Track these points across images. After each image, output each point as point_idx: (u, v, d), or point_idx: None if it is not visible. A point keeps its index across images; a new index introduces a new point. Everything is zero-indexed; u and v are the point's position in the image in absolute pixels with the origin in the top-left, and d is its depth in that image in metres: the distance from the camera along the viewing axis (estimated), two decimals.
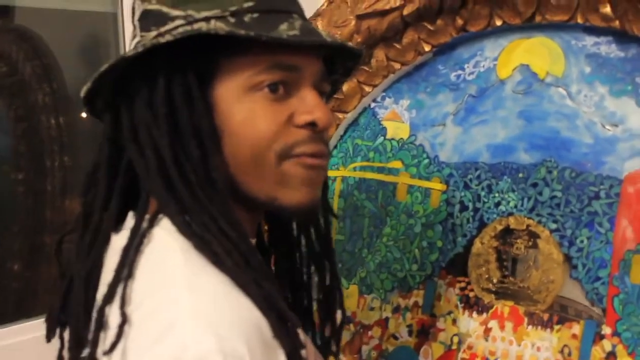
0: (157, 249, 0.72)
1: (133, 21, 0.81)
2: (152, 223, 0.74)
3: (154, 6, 0.76)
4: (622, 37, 0.98)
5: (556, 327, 1.04)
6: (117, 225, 0.78)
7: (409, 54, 1.19)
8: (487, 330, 1.11)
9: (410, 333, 1.22)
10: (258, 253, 0.80)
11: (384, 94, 1.27)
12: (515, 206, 1.09)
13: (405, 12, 1.12)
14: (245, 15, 0.74)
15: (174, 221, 0.72)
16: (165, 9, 0.75)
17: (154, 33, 0.74)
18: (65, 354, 0.82)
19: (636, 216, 0.97)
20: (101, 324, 0.70)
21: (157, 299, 0.68)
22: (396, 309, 1.24)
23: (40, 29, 1.54)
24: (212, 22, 0.73)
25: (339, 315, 0.98)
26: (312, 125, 0.77)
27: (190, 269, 0.69)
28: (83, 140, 1.62)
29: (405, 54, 1.19)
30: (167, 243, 0.72)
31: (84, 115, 1.59)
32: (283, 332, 0.67)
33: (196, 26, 0.73)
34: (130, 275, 0.69)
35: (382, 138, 1.26)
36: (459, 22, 1.11)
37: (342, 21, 1.19)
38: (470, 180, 1.14)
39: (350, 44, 0.93)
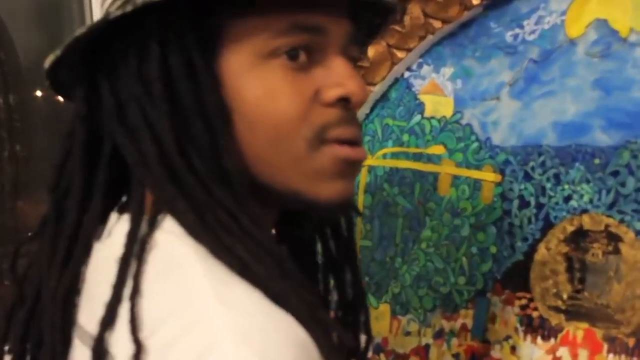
0: (164, 257, 0.69)
1: None
2: (153, 226, 0.70)
3: None
4: None
5: None
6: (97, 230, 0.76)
7: (452, 8, 1.18)
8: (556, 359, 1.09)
9: None
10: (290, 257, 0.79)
11: (420, 60, 1.26)
12: (591, 201, 1.07)
13: None
14: None
15: (183, 221, 0.70)
16: None
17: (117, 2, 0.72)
18: None
19: None
20: (100, 355, 0.66)
21: (181, 320, 0.63)
22: (439, 334, 1.24)
23: None
24: None
25: (363, 340, 0.96)
26: (344, 101, 0.75)
27: (214, 280, 0.65)
28: (40, 124, 1.60)
29: (447, 9, 1.18)
30: (176, 250, 0.69)
31: (39, 93, 1.57)
32: (331, 350, 0.65)
33: None
34: (136, 292, 0.66)
35: (419, 116, 1.25)
36: None
37: None
38: (532, 168, 1.13)
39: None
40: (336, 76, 0.75)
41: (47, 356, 0.75)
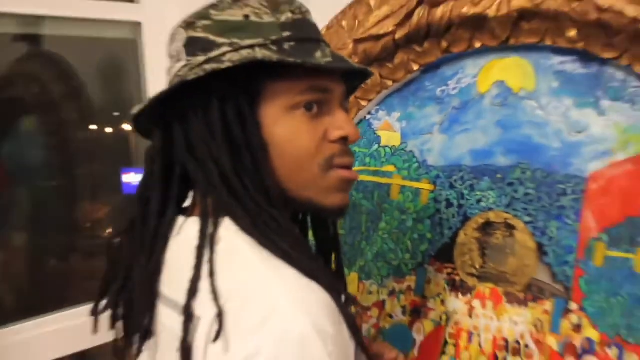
0: (228, 248, 0.70)
1: (172, 46, 0.80)
2: (217, 225, 0.72)
3: (200, 34, 0.76)
4: (585, 57, 0.98)
5: (530, 304, 1.05)
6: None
7: (399, 72, 1.18)
8: (471, 309, 1.12)
9: (404, 313, 1.22)
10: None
11: (377, 107, 1.26)
12: (494, 202, 1.09)
13: (397, 36, 1.11)
14: (284, 44, 0.74)
15: (239, 222, 0.72)
16: (212, 37, 0.75)
17: (202, 58, 0.74)
18: (120, 342, 0.82)
19: (598, 209, 0.98)
20: (189, 315, 0.68)
21: (249, 291, 0.66)
22: (391, 292, 1.24)
23: (67, 54, 1.52)
24: (257, 49, 0.73)
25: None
26: (344, 139, 0.78)
27: (267, 262, 0.68)
28: (106, 151, 1.60)
29: (396, 73, 1.18)
30: (235, 242, 0.71)
31: (109, 130, 1.57)
32: (344, 308, 0.67)
33: (243, 53, 0.73)
34: (212, 271, 0.67)
35: (376, 145, 1.26)
36: (444, 44, 1.10)
37: (341, 44, 1.17)
38: (455, 181, 1.14)
39: (369, 68, 0.93)
40: (338, 122, 0.78)
41: (136, 315, 0.77)
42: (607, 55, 0.95)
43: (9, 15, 1.31)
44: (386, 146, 1.25)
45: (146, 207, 0.79)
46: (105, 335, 1.30)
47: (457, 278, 1.14)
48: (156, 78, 1.44)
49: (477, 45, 1.08)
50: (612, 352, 0.96)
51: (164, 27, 1.41)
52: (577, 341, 0.99)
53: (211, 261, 0.68)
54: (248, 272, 0.68)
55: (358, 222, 1.25)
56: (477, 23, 1.04)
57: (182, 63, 0.76)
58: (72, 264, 1.56)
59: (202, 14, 0.77)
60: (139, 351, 0.78)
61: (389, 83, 1.20)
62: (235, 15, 0.76)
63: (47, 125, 1.58)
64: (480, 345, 1.10)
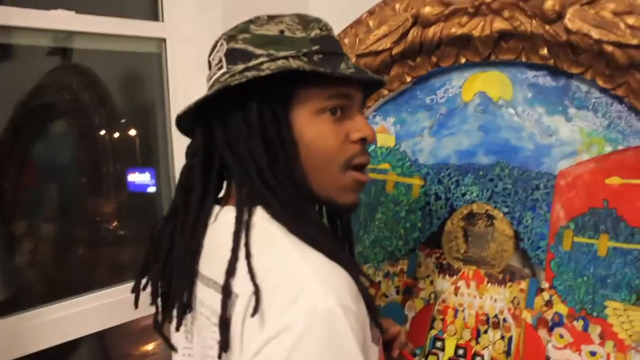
0: (262, 233, 0.71)
1: (213, 55, 0.82)
2: (251, 213, 0.73)
3: (240, 45, 0.78)
4: (555, 72, 1.04)
5: (508, 284, 1.09)
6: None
7: (394, 83, 1.21)
8: (457, 289, 1.16)
9: (397, 292, 1.24)
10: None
11: (375, 113, 1.28)
12: (477, 196, 1.13)
13: (394, 52, 1.15)
14: (314, 56, 0.77)
15: (272, 211, 0.73)
16: (250, 48, 0.77)
17: (241, 66, 0.76)
18: (160, 318, 0.82)
19: (566, 201, 1.03)
20: (228, 292, 0.68)
21: (282, 272, 0.66)
22: (386, 275, 1.26)
23: (96, 67, 1.54)
24: (291, 60, 0.75)
25: None
26: (363, 140, 0.80)
27: (297, 247, 0.69)
28: (131, 151, 1.63)
29: (391, 84, 1.21)
30: (269, 228, 0.72)
31: (132, 132, 1.60)
32: (363, 287, 0.69)
33: (279, 63, 0.75)
34: (249, 254, 0.68)
35: (374, 146, 1.27)
36: (434, 59, 1.14)
37: None
38: (443, 177, 1.17)
39: (384, 78, 0.96)
40: (358, 125, 0.79)
41: (175, 292, 0.78)
42: (574, 70, 1.01)
43: (46, 31, 1.33)
44: (382, 147, 1.27)
45: (188, 196, 0.80)
46: (123, 315, 1.36)
47: (444, 262, 1.18)
48: (177, 88, 1.47)
49: (463, 60, 1.12)
50: (578, 324, 1.01)
51: (185, 42, 1.45)
52: (549, 315, 1.04)
53: (247, 244, 0.69)
54: (281, 254, 0.69)
55: (357, 214, 1.27)
56: (463, 42, 1.09)
57: (223, 70, 0.78)
58: (98, 253, 1.59)
59: (243, 29, 0.79)
60: (178, 325, 0.78)
61: (385, 92, 1.22)
62: (271, 30, 0.78)
63: (77, 128, 1.60)
64: (464, 320, 1.14)
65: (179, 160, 1.48)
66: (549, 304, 1.05)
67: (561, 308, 1.03)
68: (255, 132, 0.76)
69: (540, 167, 1.06)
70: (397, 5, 1.16)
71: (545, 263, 1.05)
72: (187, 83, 1.45)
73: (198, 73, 1.44)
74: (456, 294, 1.16)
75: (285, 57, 0.76)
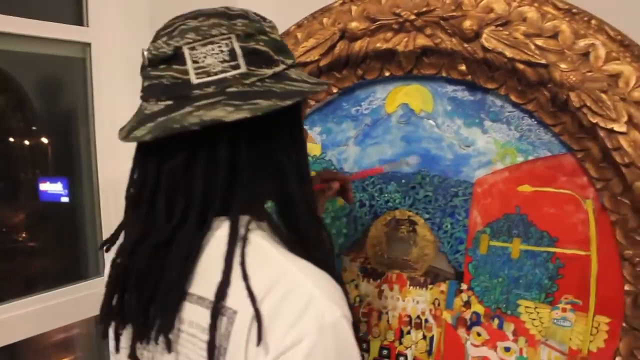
0: (256, 250, 0.67)
1: (223, 49, 0.68)
2: (248, 230, 0.68)
3: (262, 48, 0.70)
4: (472, 86, 1.07)
5: (430, 286, 1.12)
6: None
7: (321, 94, 1.20)
8: (381, 292, 1.17)
9: None
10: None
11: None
12: (400, 203, 1.15)
13: (321, 64, 1.15)
14: (297, 67, 0.75)
15: (262, 225, 0.71)
16: (271, 53, 0.71)
17: (268, 71, 0.69)
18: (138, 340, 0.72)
19: (482, 208, 1.07)
20: (217, 313, 0.63)
21: (285, 286, 0.63)
22: None
23: (18, 70, 1.45)
24: (291, 70, 0.73)
25: None
26: None
27: (289, 258, 0.66)
28: (49, 157, 1.54)
29: (318, 94, 1.20)
30: (261, 244, 0.68)
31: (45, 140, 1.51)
32: (348, 297, 0.68)
33: (305, 76, 0.74)
34: (246, 276, 0.63)
35: None
36: (359, 72, 1.15)
37: None
38: (367, 185, 1.18)
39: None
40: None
41: (161, 316, 0.69)
42: (490, 86, 1.05)
43: None
44: (309, 155, 1.25)
45: (171, 212, 0.69)
46: (32, 328, 1.27)
47: (368, 266, 1.19)
48: (101, 94, 1.41)
49: (387, 73, 1.14)
50: (494, 322, 1.06)
51: (111, 47, 1.40)
52: (467, 315, 1.08)
53: (243, 265, 0.65)
54: (278, 269, 0.65)
55: None
56: (388, 56, 1.11)
57: (241, 71, 0.68)
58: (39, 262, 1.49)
59: (259, 29, 0.71)
60: (169, 347, 0.69)
61: (312, 102, 1.23)
62: (278, 36, 0.74)
63: None
64: (388, 322, 1.16)
65: (102, 169, 1.41)
66: (467, 304, 1.08)
67: (478, 308, 1.06)
68: (286, 151, 0.72)
69: (459, 175, 1.10)
70: (325, 20, 1.16)
71: (463, 266, 1.09)
72: (112, 88, 1.40)
73: (123, 78, 1.39)
74: (380, 297, 1.17)
75: (289, 66, 0.73)
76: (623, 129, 0.92)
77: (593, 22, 0.96)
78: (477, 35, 1.01)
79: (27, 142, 1.54)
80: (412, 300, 1.14)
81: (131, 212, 0.75)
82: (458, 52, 1.04)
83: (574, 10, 0.98)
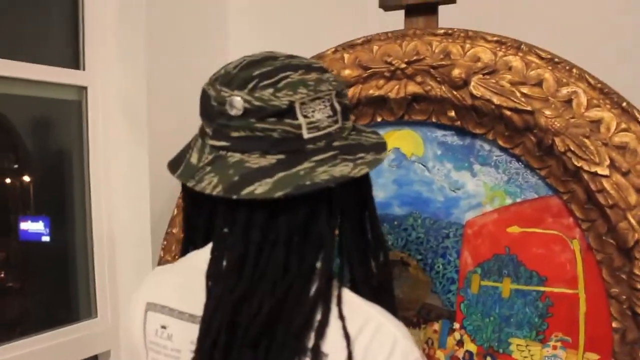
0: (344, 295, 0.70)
1: (326, 104, 0.70)
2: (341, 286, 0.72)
3: (347, 102, 0.74)
4: (461, 132, 1.10)
5: (423, 326, 1.13)
6: None
7: None
8: None
9: None
10: None
11: None
12: (392, 244, 1.16)
13: None
14: None
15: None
16: (349, 106, 0.75)
17: (350, 124, 0.75)
18: None
19: (473, 249, 1.09)
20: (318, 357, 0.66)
21: (370, 331, 0.67)
22: None
23: (12, 112, 1.46)
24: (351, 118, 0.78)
25: None
26: None
27: (373, 307, 0.70)
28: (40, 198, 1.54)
29: None
30: (345, 291, 0.71)
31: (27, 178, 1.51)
32: None
33: (358, 126, 0.79)
34: (342, 316, 0.67)
35: None
36: (352, 117, 1.17)
37: None
38: None
39: None
40: None
41: None
42: (478, 131, 1.08)
43: None
44: None
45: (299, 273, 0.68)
46: None
47: None
48: (96, 136, 1.42)
49: (379, 119, 1.17)
50: None
51: (107, 91, 1.41)
52: (460, 354, 1.09)
53: (340, 304, 0.68)
54: (364, 314, 0.68)
55: None
56: (379, 102, 1.15)
57: (339, 125, 0.71)
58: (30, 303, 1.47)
59: (344, 84, 0.76)
60: None
61: None
62: None
63: None
64: None
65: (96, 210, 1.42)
66: (460, 343, 1.09)
67: (471, 347, 1.07)
68: (370, 204, 0.80)
69: (450, 217, 1.12)
70: None
71: (455, 305, 1.10)
72: (107, 130, 1.41)
73: (118, 121, 1.41)
74: None
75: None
76: (606, 172, 0.96)
77: (574, 70, 1.01)
78: (466, 83, 1.05)
79: (15, 182, 1.53)
80: None
81: (231, 267, 0.69)
82: (447, 99, 1.07)
83: (556, 60, 1.03)
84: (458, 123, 1.10)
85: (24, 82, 1.33)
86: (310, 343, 0.66)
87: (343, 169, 0.67)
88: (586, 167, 0.97)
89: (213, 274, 0.71)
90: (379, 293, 0.77)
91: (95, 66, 1.41)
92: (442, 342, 1.11)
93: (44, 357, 1.31)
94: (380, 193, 1.18)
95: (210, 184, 0.68)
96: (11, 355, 1.24)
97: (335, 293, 0.69)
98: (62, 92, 1.40)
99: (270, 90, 0.67)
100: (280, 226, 0.68)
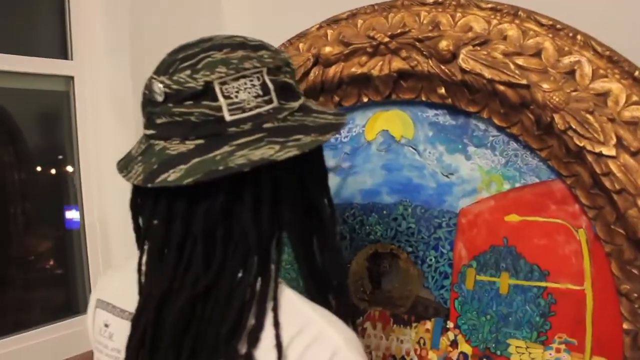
0: (284, 296, 0.65)
1: (255, 83, 0.64)
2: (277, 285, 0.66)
3: (289, 80, 0.68)
4: (453, 110, 1.00)
5: (414, 324, 1.04)
6: None
7: None
8: (363, 330, 1.09)
9: None
10: None
11: None
12: (381, 235, 1.08)
13: None
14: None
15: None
16: (294, 85, 0.69)
17: (295, 104, 0.67)
18: None
19: (468, 240, 0.99)
20: None
21: (307, 338, 0.61)
22: None
23: (7, 104, 1.44)
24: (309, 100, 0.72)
25: None
26: None
27: (317, 310, 0.64)
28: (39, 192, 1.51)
29: None
30: (287, 290, 0.66)
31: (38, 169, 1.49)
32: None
33: (313, 106, 0.72)
34: (277, 323, 0.61)
35: None
36: (336, 98, 1.09)
37: None
38: (347, 217, 1.11)
39: None
40: None
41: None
42: (471, 109, 0.98)
43: None
44: None
45: (223, 265, 0.64)
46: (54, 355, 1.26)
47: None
48: (85, 127, 1.38)
49: (365, 99, 1.07)
50: None
51: (94, 81, 1.37)
52: (454, 355, 0.99)
53: (276, 309, 0.62)
54: (304, 318, 0.63)
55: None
56: (364, 81, 1.05)
57: (274, 105, 0.65)
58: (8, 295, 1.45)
59: (284, 60, 0.68)
60: None
61: None
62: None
63: None
64: None
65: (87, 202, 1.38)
66: (454, 344, 0.99)
67: (466, 348, 0.98)
68: (318, 188, 0.74)
69: (442, 205, 1.02)
70: (301, 45, 1.11)
71: (449, 302, 1.01)
72: (96, 121, 1.37)
73: (107, 111, 1.36)
74: (363, 336, 1.09)
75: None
76: (612, 152, 0.83)
77: (579, 37, 0.89)
78: (454, 56, 0.94)
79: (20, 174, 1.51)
80: (395, 339, 1.05)
81: (153, 261, 0.67)
82: (435, 74, 0.97)
83: (558, 26, 0.91)
84: (449, 101, 0.99)
85: (13, 75, 1.30)
86: (243, 350, 0.60)
87: (265, 152, 0.61)
88: (589, 147, 0.85)
89: (141, 269, 0.68)
90: (328, 291, 0.72)
91: (82, 56, 1.36)
92: (435, 342, 1.01)
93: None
94: (368, 180, 1.09)
95: (135, 174, 0.65)
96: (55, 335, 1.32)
97: (271, 294, 0.63)
98: (51, 83, 1.37)
99: (188, 72, 0.63)
100: (199, 217, 0.63)
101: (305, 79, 1.08)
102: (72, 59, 1.37)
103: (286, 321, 0.62)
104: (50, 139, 1.50)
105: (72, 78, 1.36)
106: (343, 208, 1.12)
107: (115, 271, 0.84)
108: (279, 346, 0.60)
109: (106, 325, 0.75)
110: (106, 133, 1.36)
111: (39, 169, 1.51)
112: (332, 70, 1.05)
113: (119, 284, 0.77)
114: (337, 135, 1.12)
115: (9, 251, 1.46)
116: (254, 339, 0.61)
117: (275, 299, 0.62)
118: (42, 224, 1.52)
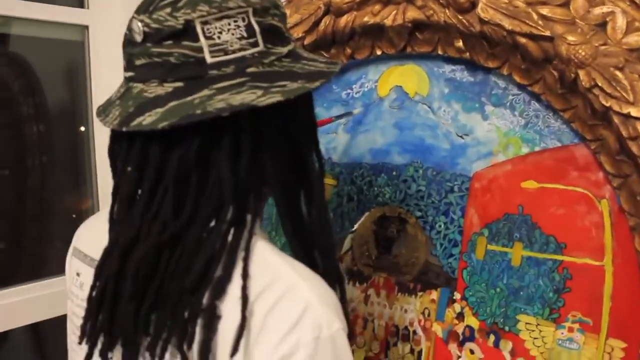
0: (255, 248, 0.60)
1: (239, 24, 0.61)
2: (252, 232, 0.61)
3: (277, 24, 0.64)
4: (471, 66, 0.92)
5: (419, 293, 0.98)
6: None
7: None
8: (367, 297, 1.04)
9: None
10: None
11: None
12: (390, 198, 1.02)
13: (306, 42, 1.03)
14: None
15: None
16: (283, 29, 0.65)
17: (284, 49, 0.63)
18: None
19: (480, 206, 0.92)
20: (213, 316, 0.57)
21: (276, 293, 0.56)
22: None
23: (27, 54, 1.43)
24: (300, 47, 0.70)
25: None
26: None
27: (291, 264, 0.60)
28: (58, 144, 1.51)
29: None
30: (260, 242, 0.61)
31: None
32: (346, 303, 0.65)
33: (304, 53, 0.68)
34: (245, 275, 0.57)
35: None
36: (348, 51, 1.03)
37: None
38: (356, 177, 1.06)
39: None
40: None
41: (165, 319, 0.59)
42: (490, 64, 0.90)
43: None
44: None
45: (194, 214, 0.60)
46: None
47: (355, 267, 1.06)
48: (100, 79, 1.35)
49: (379, 52, 1.00)
50: (490, 339, 0.90)
51: (109, 31, 1.34)
52: (460, 329, 0.93)
53: (246, 260, 0.58)
54: (275, 270, 0.59)
55: (269, 213, 1.16)
56: (377, 32, 0.97)
57: (260, 49, 0.61)
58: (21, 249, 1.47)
59: (273, 2, 0.64)
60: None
61: None
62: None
63: (3, 119, 1.48)
64: (374, 331, 1.03)
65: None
66: (460, 316, 0.93)
67: (472, 321, 0.92)
68: (305, 136, 0.70)
69: (455, 168, 0.95)
70: None
71: (457, 272, 0.94)
72: (111, 73, 1.33)
73: (121, 63, 1.32)
74: (366, 303, 1.04)
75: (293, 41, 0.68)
76: None
77: None
78: (473, 5, 0.86)
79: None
80: (399, 309, 0.99)
81: (123, 209, 0.64)
82: (453, 25, 0.88)
83: None
84: (467, 55, 0.91)
85: (30, 22, 1.28)
86: (205, 301, 0.57)
87: (246, 97, 0.58)
88: (616, 108, 0.76)
89: (112, 218, 0.65)
90: (313, 251, 0.68)
91: (98, 5, 1.33)
92: (440, 314, 0.95)
93: None
94: (378, 138, 1.03)
95: (112, 118, 0.62)
96: None
97: (243, 244, 0.59)
98: (66, 32, 1.34)
99: (168, 9, 0.59)
100: (170, 159, 0.60)
101: (315, 29, 1.01)
102: (87, 7, 1.34)
103: (256, 274, 0.58)
104: (68, 92, 1.49)
105: (87, 27, 1.33)
106: (352, 168, 1.06)
107: (94, 219, 0.81)
108: (244, 298, 0.55)
109: (78, 274, 0.73)
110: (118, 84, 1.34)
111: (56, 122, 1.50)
112: (343, 20, 0.98)
113: (93, 233, 0.74)
114: (349, 90, 1.06)
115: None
116: (219, 290, 0.57)
117: (247, 250, 0.58)
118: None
